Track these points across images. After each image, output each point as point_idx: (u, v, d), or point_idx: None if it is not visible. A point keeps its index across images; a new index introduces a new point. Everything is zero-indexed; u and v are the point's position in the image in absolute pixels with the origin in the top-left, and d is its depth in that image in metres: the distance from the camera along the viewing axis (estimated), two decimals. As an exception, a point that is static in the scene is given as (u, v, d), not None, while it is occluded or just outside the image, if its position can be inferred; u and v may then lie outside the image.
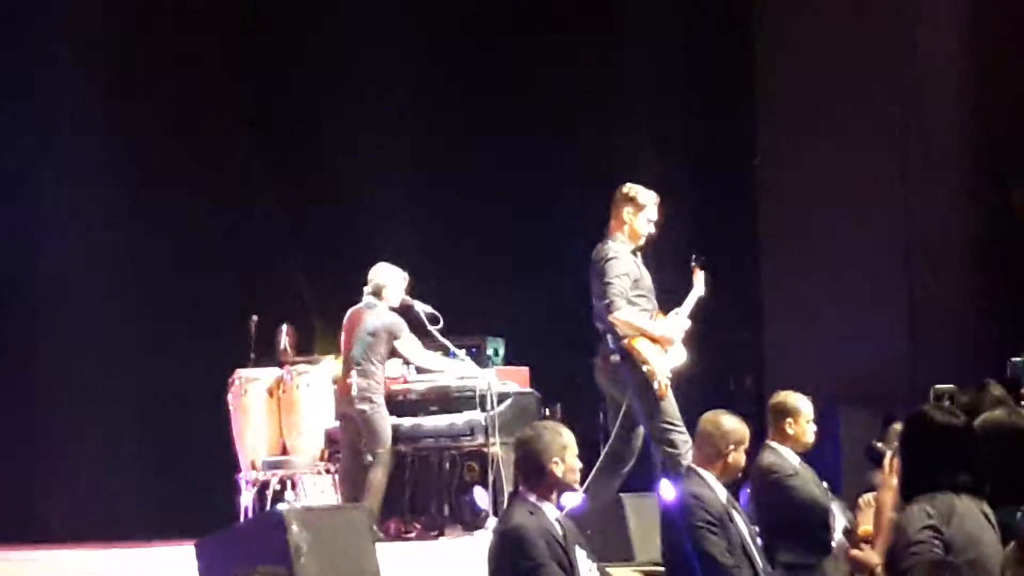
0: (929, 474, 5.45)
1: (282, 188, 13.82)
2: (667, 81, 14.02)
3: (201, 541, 7.01)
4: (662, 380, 9.15)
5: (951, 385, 7.18)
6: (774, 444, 8.34)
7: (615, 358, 9.22)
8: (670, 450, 9.02)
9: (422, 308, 10.92)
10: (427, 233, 13.54)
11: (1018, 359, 7.14)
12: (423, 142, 14.10)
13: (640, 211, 9.41)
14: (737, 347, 13.15)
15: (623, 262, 9.30)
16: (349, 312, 10.74)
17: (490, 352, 11.79)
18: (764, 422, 8.56)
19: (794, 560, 8.00)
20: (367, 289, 10.67)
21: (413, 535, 10.95)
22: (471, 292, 12.63)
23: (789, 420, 8.35)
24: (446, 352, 11.12)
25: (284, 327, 11.61)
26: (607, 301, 9.20)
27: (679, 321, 9.60)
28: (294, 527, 6.78)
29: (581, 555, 6.88)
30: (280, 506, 9.99)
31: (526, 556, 6.56)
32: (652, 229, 9.48)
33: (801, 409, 8.39)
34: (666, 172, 12.53)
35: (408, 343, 10.72)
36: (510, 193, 13.71)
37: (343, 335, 10.77)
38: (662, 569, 7.84)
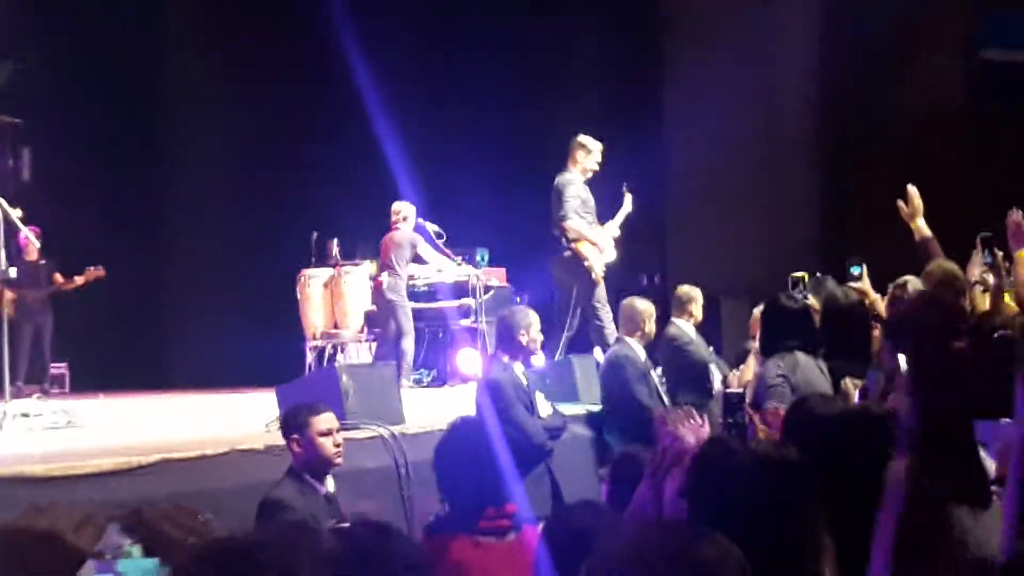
0: (779, 340, 5.55)
1: (336, 145, 13.64)
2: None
3: (280, 387, 7.01)
4: (598, 272, 9.15)
5: (802, 273, 7.17)
6: (677, 321, 8.36)
7: (567, 254, 9.21)
8: (598, 323, 9.04)
9: (431, 227, 10.86)
10: (435, 175, 13.37)
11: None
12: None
13: (589, 154, 9.35)
14: (648, 254, 12.98)
15: (576, 187, 9.23)
16: (387, 235, 10.56)
17: (478, 258, 11.76)
18: (669, 306, 8.54)
19: (689, 401, 8.01)
20: (394, 218, 10.48)
21: (425, 383, 10.98)
22: (468, 217, 12.53)
23: (688, 304, 8.38)
24: (448, 258, 11.09)
25: (335, 240, 11.56)
26: (562, 213, 9.16)
27: (611, 230, 9.56)
28: (343, 377, 6.79)
29: (540, 397, 6.96)
30: (334, 364, 9.98)
31: (500, 399, 6.62)
32: (596, 167, 9.40)
33: (696, 296, 8.41)
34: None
35: (426, 248, 10.62)
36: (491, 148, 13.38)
37: (381, 247, 10.62)
38: (597, 408, 7.94)
